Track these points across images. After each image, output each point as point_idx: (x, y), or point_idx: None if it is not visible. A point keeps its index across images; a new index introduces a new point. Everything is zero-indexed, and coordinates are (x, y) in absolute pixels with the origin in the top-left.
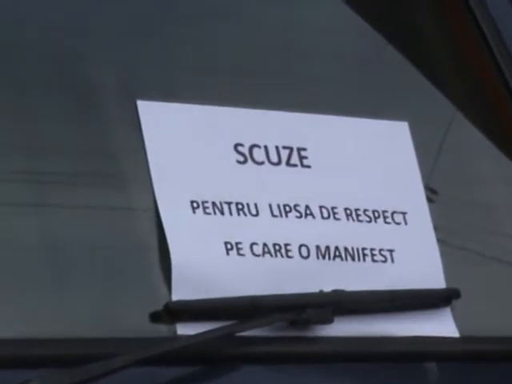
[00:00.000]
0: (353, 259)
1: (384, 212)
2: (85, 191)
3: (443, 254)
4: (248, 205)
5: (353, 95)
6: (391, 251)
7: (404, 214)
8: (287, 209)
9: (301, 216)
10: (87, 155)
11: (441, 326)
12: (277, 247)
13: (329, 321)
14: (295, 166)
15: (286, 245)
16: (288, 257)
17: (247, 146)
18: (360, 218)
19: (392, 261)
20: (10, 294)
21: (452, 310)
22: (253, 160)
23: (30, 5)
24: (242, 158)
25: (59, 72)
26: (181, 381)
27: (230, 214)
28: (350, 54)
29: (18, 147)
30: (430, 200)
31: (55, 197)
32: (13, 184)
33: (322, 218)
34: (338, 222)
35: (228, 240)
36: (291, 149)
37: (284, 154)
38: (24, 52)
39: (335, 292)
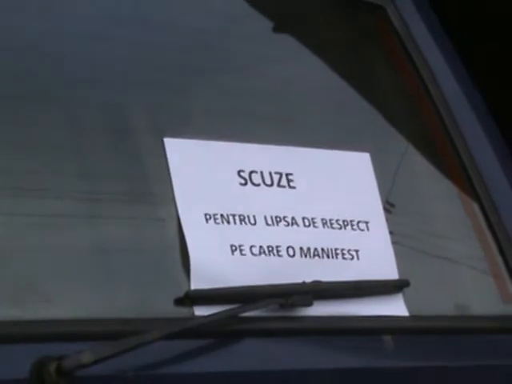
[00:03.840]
0: (328, 257)
1: (351, 221)
2: (127, 208)
3: (396, 253)
4: (248, 216)
5: (328, 133)
6: (357, 251)
7: (367, 222)
8: (278, 219)
9: (288, 225)
10: (129, 181)
11: (394, 307)
12: (270, 248)
13: (309, 304)
14: (284, 187)
15: (277, 247)
16: (279, 256)
17: (247, 171)
18: (333, 226)
19: (358, 258)
20: (70, 286)
21: (403, 296)
22: (252, 182)
23: (62, 48)
24: (243, 181)
25: (98, 113)
26: (197, 351)
27: (234, 223)
28: (324, 102)
29: (75, 176)
30: (386, 212)
31: (106, 212)
32: (73, 204)
33: (304, 226)
34: (316, 229)
35: (233, 243)
36: (281, 174)
37: (275, 177)
38: (63, 93)
39: (314, 282)
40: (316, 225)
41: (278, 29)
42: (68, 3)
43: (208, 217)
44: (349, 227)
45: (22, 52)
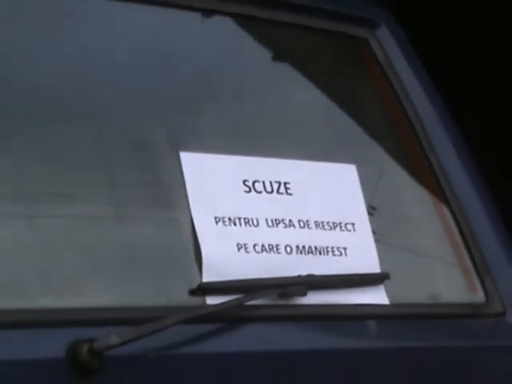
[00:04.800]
0: (320, 254)
1: (340, 223)
2: (148, 212)
3: (378, 250)
4: (251, 219)
5: (320, 148)
6: (345, 248)
7: (353, 224)
8: (277, 221)
9: (286, 226)
10: (150, 189)
11: (377, 297)
12: (270, 247)
13: (304, 294)
14: (282, 194)
15: (276, 245)
16: (278, 253)
17: (251, 181)
18: (324, 227)
19: (345, 255)
20: (100, 279)
21: (384, 287)
22: (255, 190)
23: (93, 74)
24: (247, 189)
25: (125, 131)
26: (208, 334)
27: (240, 225)
28: (316, 122)
29: (105, 184)
30: (369, 215)
31: (130, 216)
32: (103, 208)
33: (300, 227)
34: (310, 230)
35: (238, 242)
36: (279, 183)
37: (275, 186)
38: (95, 114)
39: (308, 276)
40: (310, 226)
41: (276, 59)
42: (96, 35)
43: (217, 219)
44: (338, 228)
45: (56, 74)
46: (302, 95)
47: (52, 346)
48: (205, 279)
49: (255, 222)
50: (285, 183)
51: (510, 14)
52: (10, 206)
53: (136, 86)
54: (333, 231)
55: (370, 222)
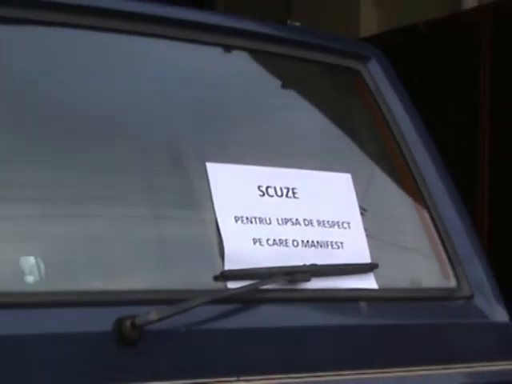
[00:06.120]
0: (321, 247)
1: (338, 222)
2: (180, 213)
3: (369, 244)
4: (265, 218)
5: (321, 161)
6: (342, 243)
7: (348, 223)
8: (286, 220)
9: (293, 224)
10: (182, 193)
11: (367, 282)
12: (280, 241)
13: (308, 280)
14: (290, 197)
15: (285, 240)
16: (286, 246)
17: (265, 186)
18: (326, 225)
19: (342, 248)
20: (141, 267)
21: (374, 274)
22: (268, 194)
23: (137, 100)
24: (262, 193)
25: (162, 147)
26: (229, 313)
27: (256, 223)
28: (318, 139)
29: (146, 189)
30: (362, 215)
31: (165, 216)
32: (144, 208)
33: (305, 225)
34: (313, 227)
35: (254, 237)
36: (288, 188)
37: (284, 191)
38: (131, 131)
39: (312, 265)
40: (313, 224)
41: (284, 87)
42: (139, 69)
43: (237, 218)
44: (336, 226)
45: (108, 101)
46: (307, 117)
47: (101, 321)
48: (226, 267)
49: (268, 221)
50: (293, 189)
51: None
52: (68, 207)
53: (172, 111)
54: (332, 228)
55: (363, 221)
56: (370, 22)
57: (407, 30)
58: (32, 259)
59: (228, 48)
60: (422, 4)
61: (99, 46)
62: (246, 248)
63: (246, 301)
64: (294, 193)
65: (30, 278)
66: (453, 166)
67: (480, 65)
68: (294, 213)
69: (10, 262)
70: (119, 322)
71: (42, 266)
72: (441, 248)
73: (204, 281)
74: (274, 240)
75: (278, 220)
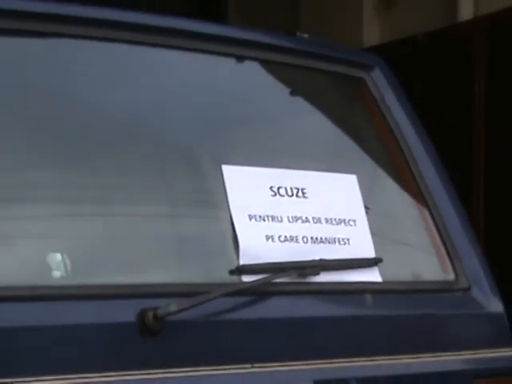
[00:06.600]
0: (329, 243)
1: (344, 219)
2: (199, 212)
3: (373, 240)
4: (277, 216)
5: (329, 163)
6: (348, 239)
7: (354, 220)
8: (296, 218)
9: (303, 222)
10: (200, 194)
11: (372, 276)
12: (291, 237)
13: (317, 274)
14: (300, 197)
15: (296, 236)
16: (297, 242)
17: (276, 187)
18: (333, 222)
19: (349, 244)
20: (162, 262)
21: (378, 268)
22: (279, 194)
23: (158, 110)
24: (273, 194)
25: (182, 151)
26: (244, 304)
27: (268, 221)
28: (326, 143)
29: (167, 190)
30: (367, 213)
31: (185, 214)
32: (165, 208)
33: (314, 223)
34: (321, 225)
35: (267, 234)
36: (298, 188)
37: (295, 191)
38: (153, 137)
39: (321, 260)
40: (321, 222)
41: (293, 95)
42: (158, 81)
43: (251, 217)
44: (342, 223)
45: (133, 112)
46: (315, 122)
47: (125, 312)
48: (241, 262)
49: (279, 219)
50: (302, 189)
51: None
52: (94, 207)
53: (191, 118)
54: (339, 226)
55: (367, 219)
56: (372, 34)
57: (407, 41)
58: (59, 256)
59: (241, 58)
60: (422, 16)
61: (124, 58)
62: (259, 244)
63: (260, 293)
64: (303, 193)
65: (58, 273)
66: (450, 172)
67: (476, 75)
68: (303, 211)
69: (39, 258)
70: (142, 314)
71: (69, 262)
72: (440, 244)
73: (220, 275)
74: (286, 237)
75: (288, 218)
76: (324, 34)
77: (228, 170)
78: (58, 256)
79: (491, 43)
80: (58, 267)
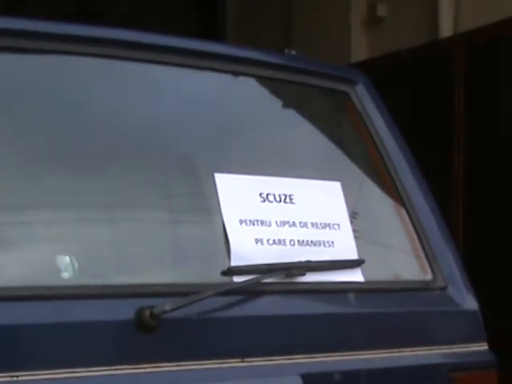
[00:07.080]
0: (315, 246)
1: (329, 224)
2: (192, 217)
3: (356, 243)
4: (266, 221)
5: (314, 171)
6: (333, 242)
7: (338, 224)
8: (284, 223)
9: (290, 226)
10: (194, 200)
11: (355, 276)
12: (279, 240)
13: (304, 274)
14: (287, 203)
15: (283, 239)
16: (284, 245)
17: (265, 193)
18: (318, 226)
19: (333, 247)
20: (158, 263)
21: (360, 269)
22: (268, 200)
23: (157, 122)
24: (262, 200)
25: (173, 159)
26: (235, 303)
27: (257, 225)
28: (312, 153)
29: (164, 196)
30: (350, 218)
31: (179, 219)
32: (162, 213)
33: (300, 227)
34: (308, 228)
35: (257, 237)
36: (286, 195)
37: (282, 197)
38: (158, 150)
39: (307, 261)
40: (307, 226)
41: (283, 108)
42: (156, 96)
43: (241, 221)
44: (327, 227)
45: (137, 123)
46: (302, 133)
47: (123, 311)
48: (232, 264)
49: (268, 223)
50: (289, 195)
51: None
52: (98, 212)
53: (186, 130)
54: (324, 230)
55: (351, 223)
56: (360, 49)
57: (392, 57)
58: (67, 258)
59: (232, 73)
60: (407, 32)
61: (122, 75)
62: (249, 247)
63: (249, 293)
64: (290, 199)
65: (64, 274)
66: (430, 182)
67: (455, 90)
68: (290, 216)
69: (48, 260)
70: (139, 312)
71: (76, 264)
72: (418, 246)
73: (213, 275)
74: (274, 240)
75: (277, 222)
76: (314, 48)
77: (220, 178)
78: (67, 258)
79: (470, 60)
80: (65, 268)
